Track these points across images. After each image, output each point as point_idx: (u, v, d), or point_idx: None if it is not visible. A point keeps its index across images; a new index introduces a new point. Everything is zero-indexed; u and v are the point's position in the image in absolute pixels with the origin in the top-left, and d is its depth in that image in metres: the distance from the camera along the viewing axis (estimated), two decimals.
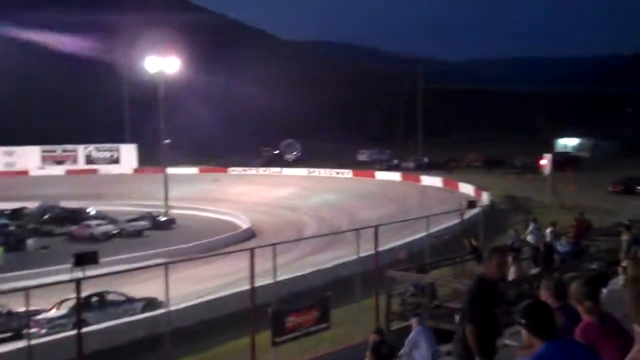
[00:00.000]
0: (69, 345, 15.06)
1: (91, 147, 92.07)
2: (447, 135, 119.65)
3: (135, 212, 57.38)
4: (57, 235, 51.40)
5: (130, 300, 24.57)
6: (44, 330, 21.41)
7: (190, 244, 42.60)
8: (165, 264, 16.77)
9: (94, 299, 23.81)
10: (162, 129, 63.93)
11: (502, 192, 50.52)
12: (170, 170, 65.82)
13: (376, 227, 18.94)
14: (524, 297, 12.88)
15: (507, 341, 7.69)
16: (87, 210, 57.46)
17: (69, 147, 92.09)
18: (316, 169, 78.45)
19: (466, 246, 22.53)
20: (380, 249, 20.02)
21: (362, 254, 19.50)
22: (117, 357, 19.04)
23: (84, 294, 16.37)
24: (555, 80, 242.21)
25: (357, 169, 78.49)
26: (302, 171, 78.99)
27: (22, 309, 20.74)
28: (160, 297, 20.59)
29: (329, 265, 27.79)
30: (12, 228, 50.06)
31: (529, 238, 23.48)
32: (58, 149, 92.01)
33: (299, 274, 26.34)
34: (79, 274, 17.24)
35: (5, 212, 56.48)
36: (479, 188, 51.35)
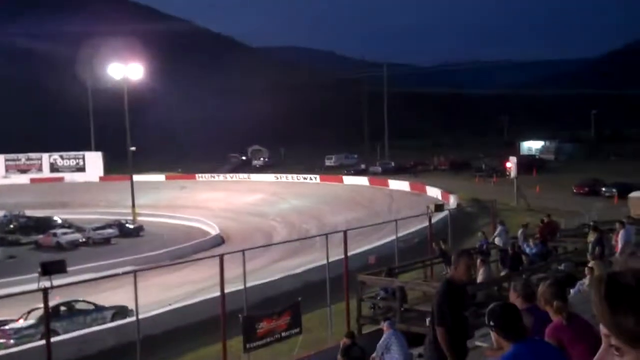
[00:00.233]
0: (37, 356, 14.92)
1: (56, 155, 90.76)
2: (413, 138, 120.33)
3: (102, 220, 56.94)
4: (24, 244, 50.92)
5: (99, 308, 24.30)
6: (12, 341, 21.13)
7: (159, 251, 42.34)
8: (134, 272, 16.69)
9: (63, 308, 23.53)
10: (128, 136, 63.44)
11: (469, 195, 50.93)
12: (137, 178, 65.33)
13: (345, 232, 19.04)
14: (492, 299, 13.05)
15: (477, 342, 7.80)
16: (54, 219, 56.87)
17: (33, 155, 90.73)
18: (284, 175, 78.41)
19: (435, 249, 22.74)
20: (350, 253, 20.11)
21: (332, 259, 19.55)
22: None
23: (52, 303, 16.24)
24: (519, 83, 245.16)
25: (325, 173, 78.62)
26: (269, 177, 78.87)
27: None
28: (130, 305, 20.45)
29: (299, 270, 27.77)
30: None
31: (497, 240, 23.74)
32: (22, 157, 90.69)
33: (269, 279, 26.30)
34: (46, 283, 17.08)
35: None
36: (446, 191, 51.70)
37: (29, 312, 22.31)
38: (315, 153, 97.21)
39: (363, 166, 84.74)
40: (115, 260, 38.54)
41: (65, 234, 50.52)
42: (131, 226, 55.74)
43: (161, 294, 26.96)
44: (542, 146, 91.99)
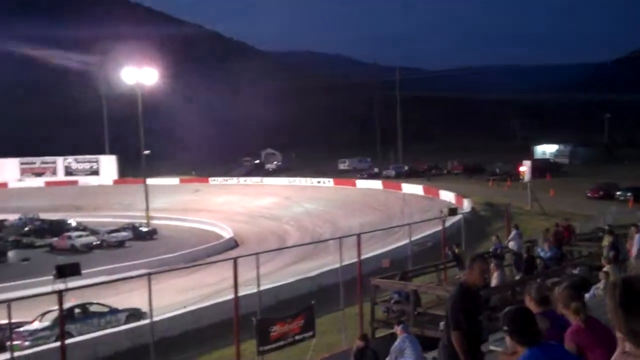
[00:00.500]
0: (52, 358, 15.00)
1: (70, 159, 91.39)
2: (428, 142, 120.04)
3: (116, 224, 57.18)
4: (38, 247, 51.17)
5: (113, 311, 24.41)
6: (27, 343, 21.22)
7: (173, 254, 42.48)
8: (148, 275, 16.72)
9: (77, 310, 23.65)
10: (142, 140, 63.70)
11: (483, 199, 50.77)
12: (151, 181, 65.55)
13: (358, 235, 19.00)
14: (506, 304, 13.00)
15: (492, 347, 7.77)
16: (68, 222, 57.16)
17: (48, 158, 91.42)
18: (297, 178, 78.46)
19: (448, 253, 22.66)
20: (363, 256, 20.08)
21: (345, 262, 19.52)
22: None
23: (66, 305, 16.29)
24: (534, 87, 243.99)
25: (338, 177, 78.60)
26: (283, 180, 78.94)
27: (4, 321, 20.57)
28: (144, 307, 20.51)
29: (312, 273, 27.77)
30: None
31: (511, 244, 23.61)
32: (37, 161, 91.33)
33: (283, 282, 26.31)
34: (61, 285, 17.15)
35: None
36: (460, 195, 51.55)
37: (43, 314, 22.43)
38: (329, 157, 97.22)
39: (376, 170, 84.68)
40: (129, 263, 38.74)
41: (79, 236, 50.84)
42: (145, 229, 55.95)
43: (175, 296, 27.01)
44: (557, 150, 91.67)
